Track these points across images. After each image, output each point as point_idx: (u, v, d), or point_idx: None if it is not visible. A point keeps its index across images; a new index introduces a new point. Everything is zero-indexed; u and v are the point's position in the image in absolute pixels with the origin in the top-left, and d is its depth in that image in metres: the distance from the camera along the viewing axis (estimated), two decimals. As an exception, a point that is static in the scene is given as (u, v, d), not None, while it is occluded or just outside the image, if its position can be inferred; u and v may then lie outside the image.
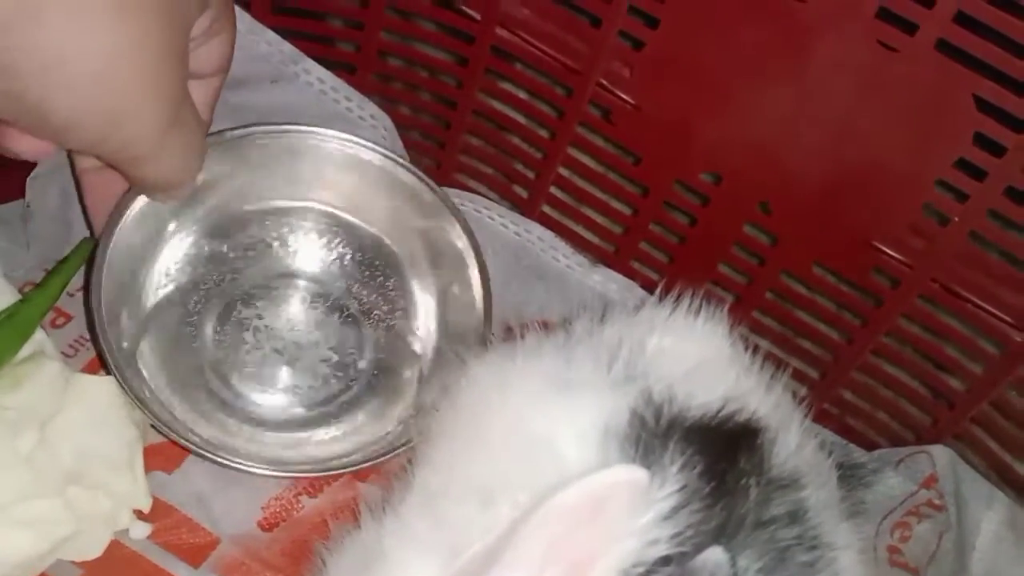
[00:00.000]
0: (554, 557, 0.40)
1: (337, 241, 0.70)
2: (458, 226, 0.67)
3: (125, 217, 0.60)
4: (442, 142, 0.76)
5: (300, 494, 0.61)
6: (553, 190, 0.74)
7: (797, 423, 0.50)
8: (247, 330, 0.66)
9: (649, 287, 0.72)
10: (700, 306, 0.52)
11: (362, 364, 0.67)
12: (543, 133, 0.71)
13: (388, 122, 0.73)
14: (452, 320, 0.68)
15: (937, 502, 0.64)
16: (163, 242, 0.65)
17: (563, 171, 0.73)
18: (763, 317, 0.71)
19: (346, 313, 0.68)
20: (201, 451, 0.58)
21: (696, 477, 0.44)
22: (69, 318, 0.64)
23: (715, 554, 0.41)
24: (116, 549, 0.55)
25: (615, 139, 0.68)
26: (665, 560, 0.41)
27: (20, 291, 0.60)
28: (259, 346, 0.66)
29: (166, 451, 0.60)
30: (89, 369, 0.62)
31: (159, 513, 0.58)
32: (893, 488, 0.65)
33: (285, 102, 0.71)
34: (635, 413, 0.46)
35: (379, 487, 0.61)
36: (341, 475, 0.61)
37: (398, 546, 0.45)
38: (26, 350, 0.56)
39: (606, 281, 0.73)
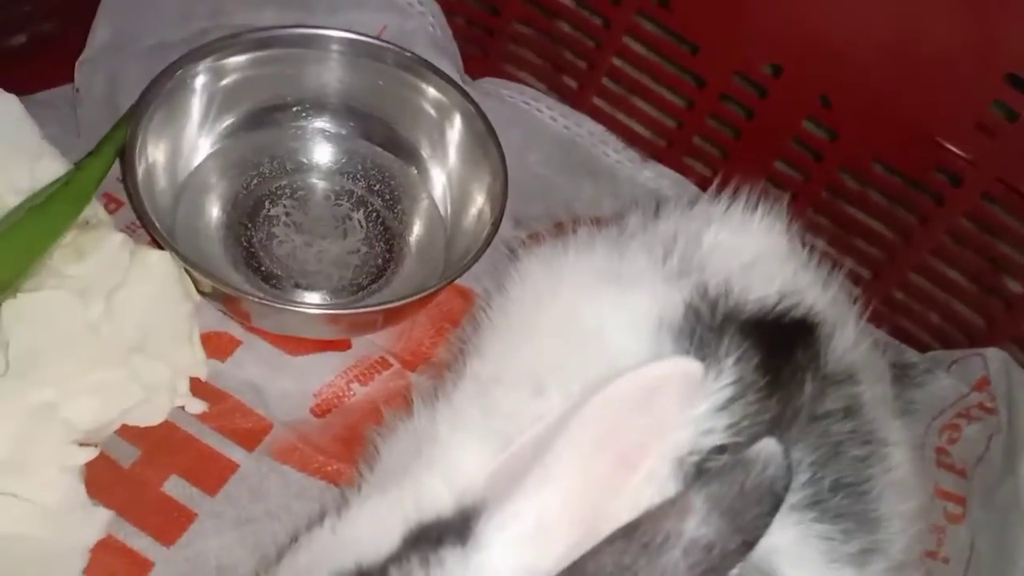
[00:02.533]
0: (604, 445, 0.40)
1: (353, 136, 0.69)
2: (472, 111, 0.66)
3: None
4: (490, 29, 0.75)
5: (351, 381, 0.61)
6: (605, 82, 0.72)
7: (853, 320, 0.49)
8: (276, 225, 0.66)
9: (702, 184, 0.70)
10: (757, 201, 0.51)
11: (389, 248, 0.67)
12: (596, 20, 0.69)
13: (436, 8, 0.72)
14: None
15: (988, 405, 0.64)
16: (193, 135, 0.66)
17: (616, 61, 0.71)
18: (817, 216, 0.70)
19: (369, 207, 0.67)
20: (262, 300, 0.58)
21: (752, 370, 0.44)
22: (120, 204, 0.64)
23: (769, 445, 0.41)
24: (172, 431, 0.56)
25: (672, 27, 0.66)
26: (720, 449, 0.41)
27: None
28: (288, 239, 0.66)
29: (218, 340, 0.60)
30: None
31: (214, 397, 0.58)
32: (944, 389, 0.64)
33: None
34: (690, 306, 0.46)
35: (429, 377, 0.62)
36: (391, 365, 0.62)
37: (451, 431, 0.45)
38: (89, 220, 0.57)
39: (658, 177, 0.72)
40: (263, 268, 0.64)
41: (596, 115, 0.73)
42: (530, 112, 0.74)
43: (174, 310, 0.56)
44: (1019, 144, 0.59)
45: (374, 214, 0.67)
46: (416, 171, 0.68)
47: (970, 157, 0.61)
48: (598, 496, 0.39)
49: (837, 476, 0.45)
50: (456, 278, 0.61)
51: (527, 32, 0.74)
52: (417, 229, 0.67)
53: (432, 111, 0.67)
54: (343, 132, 0.69)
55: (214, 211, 0.66)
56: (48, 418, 0.50)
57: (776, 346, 0.45)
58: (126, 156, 0.60)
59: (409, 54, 0.67)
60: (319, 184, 0.68)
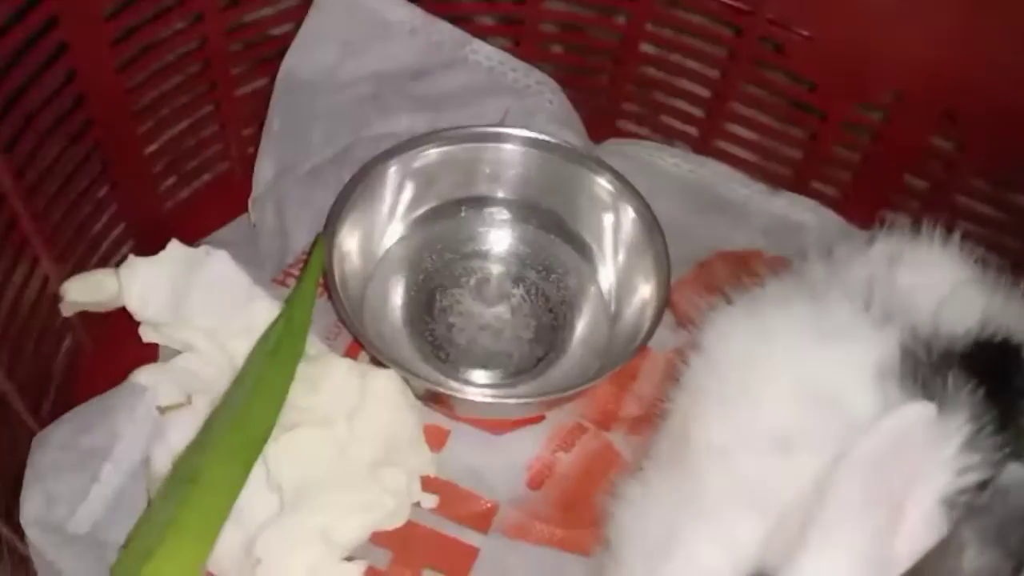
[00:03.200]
0: (871, 499, 0.44)
1: (527, 226, 0.74)
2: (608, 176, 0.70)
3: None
4: (605, 93, 0.79)
5: (555, 451, 0.66)
6: (726, 125, 0.76)
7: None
8: (453, 313, 0.71)
9: (834, 206, 0.74)
10: (934, 232, 0.55)
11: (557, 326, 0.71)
12: (712, 73, 0.73)
13: (552, 84, 0.76)
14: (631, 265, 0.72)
15: None
16: (380, 237, 0.72)
17: (735, 105, 0.75)
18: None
19: (539, 293, 0.72)
20: (472, 399, 0.64)
21: (980, 403, 0.47)
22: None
23: (1017, 471, 0.45)
24: (412, 529, 0.61)
25: (789, 70, 0.70)
26: (980, 485, 0.45)
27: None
28: (464, 327, 0.71)
29: (430, 433, 0.65)
30: (350, 351, 0.68)
31: (441, 489, 0.63)
32: None
33: (459, 84, 0.74)
34: (906, 350, 0.50)
35: (623, 435, 0.66)
36: (587, 429, 0.66)
37: (708, 502, 0.49)
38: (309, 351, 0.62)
39: (790, 204, 0.76)
40: (444, 352, 0.69)
41: (720, 157, 0.77)
42: (653, 163, 0.78)
43: (404, 419, 0.61)
44: None
45: (543, 299, 0.72)
46: (585, 260, 0.73)
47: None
48: (877, 548, 0.43)
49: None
50: (622, 365, 0.65)
51: (641, 92, 0.78)
52: (584, 315, 0.72)
53: (602, 203, 0.71)
54: (518, 222, 0.74)
55: (398, 298, 0.71)
56: (326, 541, 0.55)
57: (994, 374, 0.49)
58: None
59: (579, 149, 0.72)
60: (494, 270, 0.73)
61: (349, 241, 0.69)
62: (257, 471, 0.56)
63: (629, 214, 0.70)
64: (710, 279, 0.73)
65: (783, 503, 0.46)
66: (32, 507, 0.54)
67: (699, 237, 0.75)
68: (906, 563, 0.43)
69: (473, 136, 0.71)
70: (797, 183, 0.76)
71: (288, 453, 0.56)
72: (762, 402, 0.51)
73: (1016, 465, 0.45)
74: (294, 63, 0.72)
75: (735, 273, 0.75)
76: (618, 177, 0.70)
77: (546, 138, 0.71)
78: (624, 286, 0.71)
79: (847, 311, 0.52)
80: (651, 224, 0.69)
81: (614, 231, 0.71)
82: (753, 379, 0.53)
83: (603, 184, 0.71)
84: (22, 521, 0.53)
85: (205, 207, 0.75)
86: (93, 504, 0.55)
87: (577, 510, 0.63)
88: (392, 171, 0.70)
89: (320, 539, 0.55)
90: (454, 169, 0.72)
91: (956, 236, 0.55)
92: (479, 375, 0.69)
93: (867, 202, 0.72)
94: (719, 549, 0.47)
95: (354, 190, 0.68)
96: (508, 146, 0.72)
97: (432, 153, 0.71)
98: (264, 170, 0.71)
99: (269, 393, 0.57)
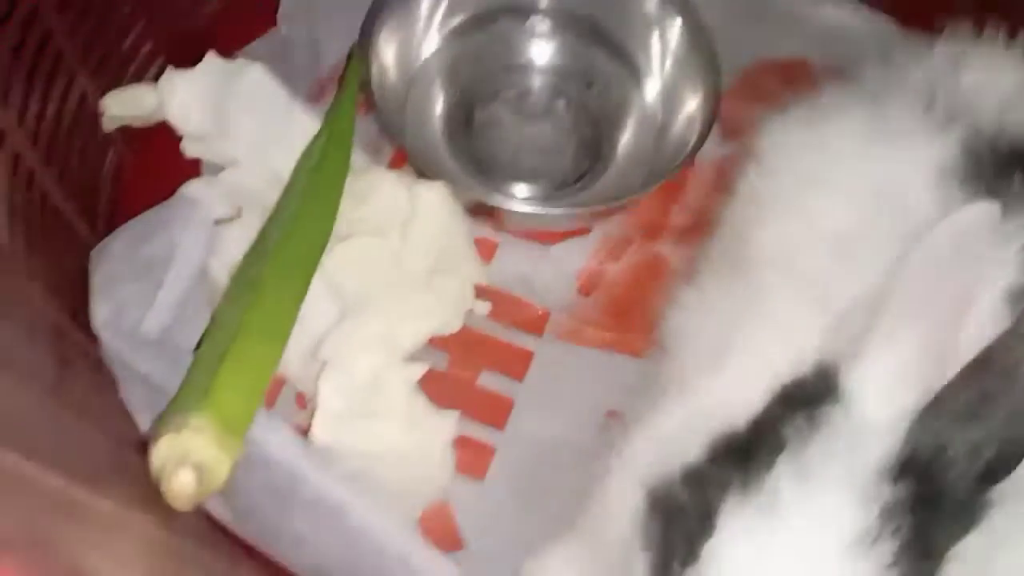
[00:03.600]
0: (936, 294, 0.45)
1: (560, 36, 0.73)
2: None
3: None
4: None
5: (603, 261, 0.67)
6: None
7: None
8: (495, 125, 0.71)
9: (884, 10, 0.72)
10: (997, 35, 0.54)
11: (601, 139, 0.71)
12: None
13: None
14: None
15: None
16: (417, 48, 0.70)
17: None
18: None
19: (583, 106, 0.71)
20: (518, 210, 0.64)
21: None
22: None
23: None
24: (468, 334, 0.63)
25: None
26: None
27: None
28: (507, 137, 0.70)
29: (480, 245, 0.66)
30: (395, 162, 0.68)
31: (494, 297, 0.65)
32: None
33: None
34: (968, 150, 0.50)
35: (672, 244, 0.67)
36: (633, 241, 0.68)
37: (770, 300, 0.51)
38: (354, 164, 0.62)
39: (837, 10, 0.73)
40: (486, 166, 0.69)
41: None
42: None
43: (454, 229, 0.61)
44: None
45: (586, 113, 0.71)
46: (629, 72, 0.71)
47: None
48: (943, 337, 0.45)
49: None
50: (668, 179, 0.65)
51: None
52: (628, 129, 0.71)
53: (651, 14, 0.69)
54: (558, 32, 0.72)
55: (437, 110, 0.71)
56: (387, 344, 0.57)
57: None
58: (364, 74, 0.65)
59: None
60: (535, 82, 0.72)
61: (386, 53, 0.68)
62: (317, 281, 0.57)
63: (676, 24, 0.69)
64: (756, 89, 0.72)
65: (844, 300, 0.48)
66: (103, 313, 0.55)
67: (742, 45, 0.73)
68: (970, 356, 0.45)
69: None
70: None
71: (345, 262, 0.57)
72: (820, 204, 0.52)
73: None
74: None
75: (782, 83, 0.74)
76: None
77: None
78: (670, 99, 0.70)
79: (908, 114, 0.52)
80: (699, 35, 0.67)
81: (661, 42, 0.70)
82: (811, 183, 0.53)
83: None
84: (95, 327, 0.54)
85: (235, 20, 0.73)
86: (160, 310, 0.56)
87: (628, 315, 0.65)
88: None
89: (381, 343, 0.56)
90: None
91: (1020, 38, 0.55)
92: (523, 189, 0.69)
93: (921, 6, 0.70)
94: (780, 344, 0.48)
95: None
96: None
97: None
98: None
99: (321, 205, 0.57)
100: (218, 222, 0.61)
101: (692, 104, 0.68)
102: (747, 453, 0.44)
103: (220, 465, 0.45)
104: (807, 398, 0.45)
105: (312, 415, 0.54)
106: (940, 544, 0.41)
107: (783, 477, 0.42)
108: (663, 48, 0.70)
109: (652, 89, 0.71)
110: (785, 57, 0.74)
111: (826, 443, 0.43)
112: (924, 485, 0.42)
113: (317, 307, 0.57)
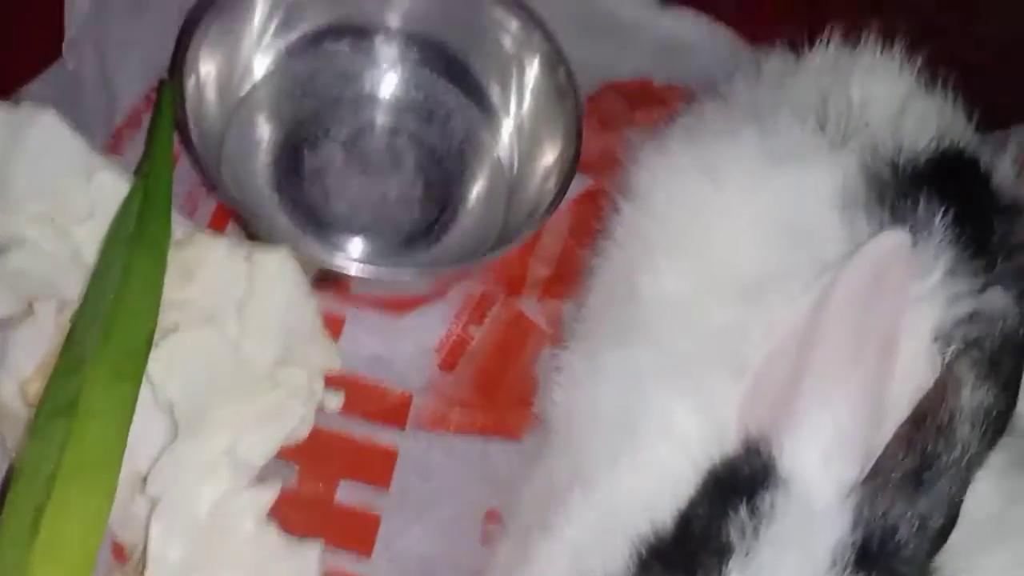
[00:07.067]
0: (861, 336, 0.39)
1: (411, 60, 0.64)
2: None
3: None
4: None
5: (467, 325, 0.59)
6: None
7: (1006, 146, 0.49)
8: (329, 169, 0.61)
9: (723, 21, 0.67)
10: (877, 44, 0.49)
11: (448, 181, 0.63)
12: None
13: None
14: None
15: None
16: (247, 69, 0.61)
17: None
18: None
19: (427, 147, 0.63)
20: (367, 274, 0.55)
21: (952, 223, 0.43)
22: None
23: (1000, 297, 0.42)
24: (319, 437, 0.53)
25: None
26: (969, 317, 0.41)
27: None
28: (344, 181, 0.61)
29: (324, 319, 0.56)
30: (215, 222, 0.58)
31: (345, 384, 0.55)
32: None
33: None
34: (868, 171, 0.45)
35: (536, 300, 0.60)
36: (496, 298, 0.60)
37: (675, 358, 0.43)
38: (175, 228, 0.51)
39: (677, 22, 0.68)
40: (318, 216, 0.60)
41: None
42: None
43: (300, 306, 0.51)
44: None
45: (431, 153, 0.63)
46: (482, 110, 0.63)
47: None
48: (875, 388, 0.39)
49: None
50: (520, 243, 0.58)
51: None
52: (480, 175, 0.63)
53: (509, 48, 0.61)
54: (406, 61, 0.64)
55: (261, 153, 0.61)
56: (233, 465, 0.46)
57: (960, 190, 0.44)
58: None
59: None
60: (375, 118, 0.63)
61: (206, 78, 0.58)
62: (141, 393, 0.45)
63: (535, 61, 0.61)
64: (604, 115, 0.66)
65: (760, 355, 0.41)
66: None
67: (586, 68, 0.67)
68: (905, 406, 0.40)
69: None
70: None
71: (173, 364, 0.46)
72: (720, 245, 0.45)
73: (998, 290, 0.42)
74: None
75: (629, 107, 0.69)
76: (535, 22, 0.61)
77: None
78: (526, 142, 0.63)
79: (799, 133, 0.46)
80: (560, 74, 0.60)
81: (518, 79, 0.62)
82: (705, 220, 0.47)
83: (515, 27, 0.61)
84: None
85: (9, 54, 0.59)
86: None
87: (497, 389, 0.57)
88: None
89: (225, 464, 0.46)
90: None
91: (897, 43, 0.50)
92: (366, 246, 0.60)
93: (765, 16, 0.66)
94: (696, 414, 0.42)
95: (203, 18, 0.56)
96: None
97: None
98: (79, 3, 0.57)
99: (142, 288, 0.46)
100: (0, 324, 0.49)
101: (550, 153, 0.61)
102: (686, 561, 0.37)
103: None
104: (742, 484, 0.39)
105: (137, 573, 0.43)
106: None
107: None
108: (519, 86, 0.63)
109: (506, 130, 0.64)
110: (628, 78, 0.69)
111: (776, 539, 0.37)
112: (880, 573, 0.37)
113: (143, 428, 0.45)
